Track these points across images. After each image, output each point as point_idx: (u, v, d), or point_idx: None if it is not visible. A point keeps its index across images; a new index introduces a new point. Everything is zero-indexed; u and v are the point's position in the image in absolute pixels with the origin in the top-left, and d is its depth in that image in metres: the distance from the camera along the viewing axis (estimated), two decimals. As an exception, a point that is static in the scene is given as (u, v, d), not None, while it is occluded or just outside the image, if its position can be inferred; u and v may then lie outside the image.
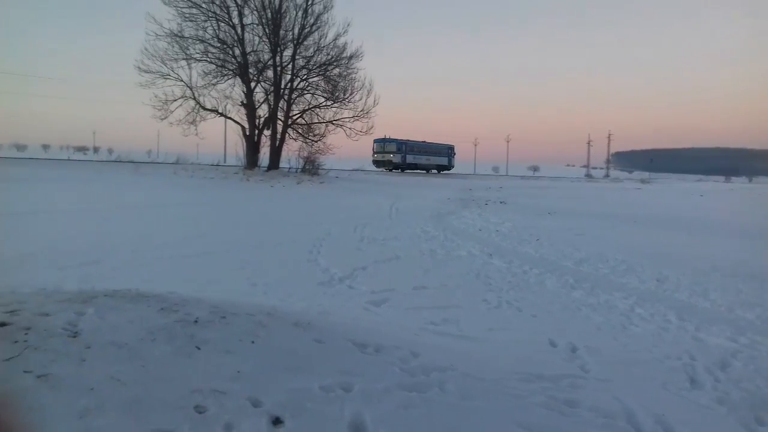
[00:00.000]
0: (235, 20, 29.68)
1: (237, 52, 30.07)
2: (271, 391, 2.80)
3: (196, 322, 3.40)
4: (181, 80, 29.38)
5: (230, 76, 30.56)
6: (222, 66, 30.12)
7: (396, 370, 3.59)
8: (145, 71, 28.33)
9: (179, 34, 28.66)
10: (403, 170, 51.13)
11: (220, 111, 30.96)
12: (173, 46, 28.71)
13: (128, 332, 3.06)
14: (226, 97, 30.99)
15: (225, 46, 30.02)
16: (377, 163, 52.42)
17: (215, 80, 30.20)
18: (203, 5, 28.77)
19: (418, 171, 53.93)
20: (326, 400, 2.90)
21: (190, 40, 29.11)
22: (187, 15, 28.57)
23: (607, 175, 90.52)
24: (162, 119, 29.73)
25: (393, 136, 52.58)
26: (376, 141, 51.86)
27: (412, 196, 22.49)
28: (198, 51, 29.54)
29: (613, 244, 11.73)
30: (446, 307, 6.34)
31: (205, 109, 30.28)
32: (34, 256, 7.60)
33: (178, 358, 2.92)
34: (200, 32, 29.41)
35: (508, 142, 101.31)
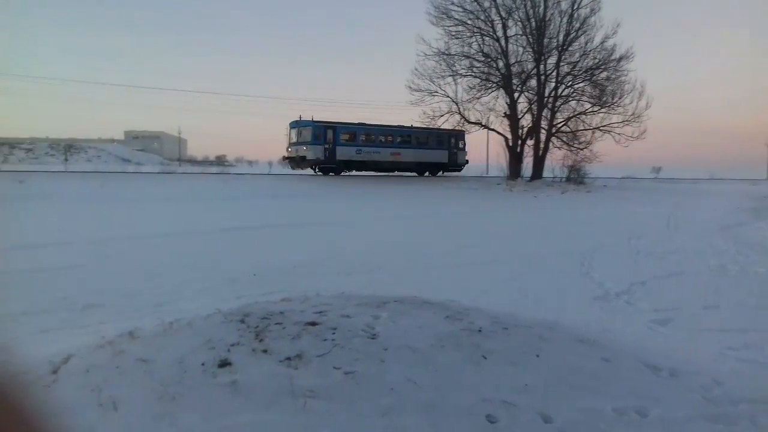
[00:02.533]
0: (499, 33, 30.28)
1: (501, 64, 30.61)
2: (561, 408, 2.71)
3: (479, 331, 3.45)
4: (447, 96, 30.92)
5: (494, 89, 31.26)
6: (486, 79, 30.94)
7: (697, 398, 3.22)
8: (416, 90, 30.50)
9: (446, 52, 30.25)
10: (337, 173, 31.05)
11: (483, 123, 31.83)
12: (440, 65, 30.50)
13: (419, 337, 3.23)
14: (489, 110, 31.79)
15: (489, 60, 30.81)
16: (289, 160, 31.97)
17: (479, 94, 31.14)
18: (469, 22, 30.03)
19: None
20: (620, 423, 2.71)
21: (456, 57, 30.59)
22: (454, 33, 30.12)
23: None
24: (430, 134, 31.56)
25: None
26: (290, 126, 31.47)
27: (691, 204, 20.27)
28: (463, 67, 30.86)
29: None
30: (746, 331, 5.50)
31: (469, 122, 31.40)
32: (325, 262, 8.56)
33: (466, 366, 2.99)
34: (465, 48, 30.74)
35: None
